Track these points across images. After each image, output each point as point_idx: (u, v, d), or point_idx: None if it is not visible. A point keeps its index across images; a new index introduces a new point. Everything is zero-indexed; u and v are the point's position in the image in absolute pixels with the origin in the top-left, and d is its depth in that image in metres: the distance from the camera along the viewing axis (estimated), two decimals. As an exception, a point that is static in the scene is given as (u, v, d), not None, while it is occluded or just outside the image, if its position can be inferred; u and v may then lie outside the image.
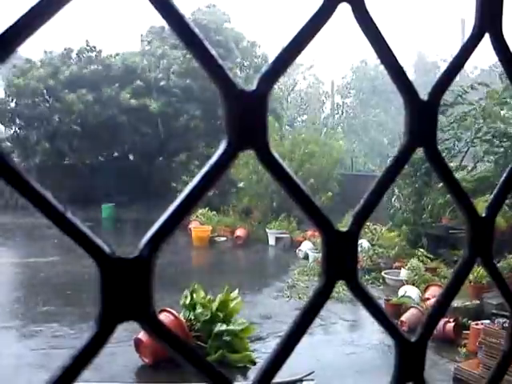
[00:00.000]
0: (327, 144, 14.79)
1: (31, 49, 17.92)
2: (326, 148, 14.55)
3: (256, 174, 13.38)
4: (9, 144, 18.11)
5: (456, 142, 10.43)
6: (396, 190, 10.60)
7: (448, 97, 10.08)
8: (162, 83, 18.01)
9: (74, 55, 18.66)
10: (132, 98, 17.66)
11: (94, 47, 18.86)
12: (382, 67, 0.48)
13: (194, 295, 6.03)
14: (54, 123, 17.78)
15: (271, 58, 0.42)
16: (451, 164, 10.11)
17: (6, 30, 0.32)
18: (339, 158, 14.77)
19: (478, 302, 6.86)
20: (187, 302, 6.00)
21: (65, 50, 18.77)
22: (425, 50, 30.90)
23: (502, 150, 9.73)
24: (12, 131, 18.83)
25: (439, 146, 0.52)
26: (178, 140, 18.44)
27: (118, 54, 18.98)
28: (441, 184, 9.40)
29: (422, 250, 9.26)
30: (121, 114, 17.86)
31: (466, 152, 10.58)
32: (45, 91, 17.89)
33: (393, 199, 10.72)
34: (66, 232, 0.33)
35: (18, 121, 18.58)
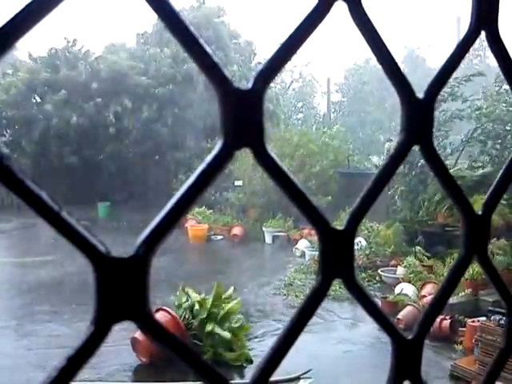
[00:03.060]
0: (324, 143, 14.79)
1: (21, 48, 17.87)
2: (322, 147, 14.55)
3: (253, 172, 13.38)
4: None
5: (445, 141, 10.45)
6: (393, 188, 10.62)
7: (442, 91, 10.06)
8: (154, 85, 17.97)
9: (62, 56, 18.57)
10: (126, 98, 17.62)
11: (80, 48, 18.80)
12: (378, 65, 0.48)
13: (190, 294, 6.02)
14: (47, 124, 17.73)
15: (267, 57, 0.41)
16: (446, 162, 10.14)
17: (3, 26, 0.32)
18: (336, 157, 14.79)
19: (473, 299, 6.88)
20: (183, 300, 6.00)
21: (52, 50, 18.67)
22: (413, 45, 31.00)
23: (494, 152, 9.80)
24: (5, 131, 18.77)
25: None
26: (175, 139, 18.42)
27: (110, 54, 18.93)
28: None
29: (418, 247, 9.28)
30: (116, 113, 17.81)
31: (462, 151, 10.60)
32: (37, 90, 17.84)
33: (396, 197, 10.72)
34: (61, 232, 0.33)
35: (11, 122, 18.53)
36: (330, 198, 13.10)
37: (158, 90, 17.99)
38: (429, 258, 9.07)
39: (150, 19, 18.61)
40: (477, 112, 9.86)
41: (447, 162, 10.07)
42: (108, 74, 17.91)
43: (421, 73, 25.58)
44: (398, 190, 10.55)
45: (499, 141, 9.68)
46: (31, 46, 18.42)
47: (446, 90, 9.86)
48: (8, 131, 18.74)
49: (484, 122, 9.72)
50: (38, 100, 18.33)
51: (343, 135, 16.24)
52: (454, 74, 0.52)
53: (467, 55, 0.51)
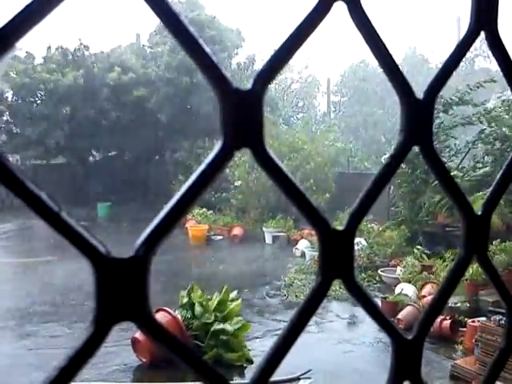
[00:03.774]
0: (323, 143, 14.81)
1: (27, 45, 17.92)
2: (322, 147, 14.56)
3: (253, 172, 13.38)
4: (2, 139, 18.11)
5: (456, 142, 10.46)
6: (392, 188, 10.62)
7: (449, 94, 10.09)
8: (155, 81, 17.95)
9: (68, 53, 18.59)
10: (126, 99, 17.64)
11: (87, 46, 18.82)
12: (378, 65, 0.48)
13: (192, 295, 6.02)
14: (48, 121, 17.74)
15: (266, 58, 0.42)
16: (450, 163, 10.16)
17: (5, 26, 0.32)
18: (336, 157, 14.80)
19: (473, 299, 6.88)
20: (184, 301, 6.00)
21: (58, 47, 18.69)
22: (416, 46, 31.02)
23: (499, 152, 9.76)
24: (4, 124, 18.73)
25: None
26: (175, 139, 18.43)
27: (111, 52, 18.96)
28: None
29: (419, 247, 9.28)
30: (116, 115, 17.83)
31: (467, 153, 10.59)
32: (39, 89, 17.85)
33: (396, 196, 10.72)
34: (61, 232, 0.33)
35: (12, 117, 18.53)
36: (327, 195, 13.12)
37: (160, 90, 17.99)
38: (429, 257, 9.06)
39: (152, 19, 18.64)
40: (487, 116, 9.82)
41: (451, 164, 10.09)
42: (110, 74, 17.93)
43: (422, 74, 25.58)
44: (400, 190, 10.55)
45: (508, 143, 9.63)
46: (35, 43, 18.49)
47: (456, 94, 9.92)
48: (9, 126, 18.75)
49: (494, 125, 9.69)
50: (41, 97, 18.34)
51: (342, 135, 16.25)
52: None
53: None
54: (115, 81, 17.68)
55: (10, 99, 18.44)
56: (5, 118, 18.48)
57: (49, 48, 18.74)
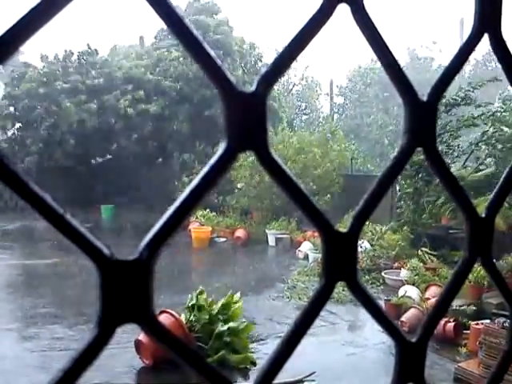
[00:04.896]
0: (327, 145, 14.79)
1: (29, 52, 18.04)
2: (325, 149, 14.55)
3: (256, 174, 13.38)
4: (6, 145, 18.18)
5: (452, 143, 10.43)
6: (395, 189, 10.61)
7: (452, 92, 10.06)
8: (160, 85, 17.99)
9: (73, 59, 18.67)
10: (130, 102, 17.68)
11: (95, 50, 18.86)
12: (381, 67, 0.48)
13: (197, 297, 6.01)
14: (52, 125, 17.80)
15: (269, 59, 0.42)
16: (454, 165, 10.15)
17: (7, 31, 0.32)
18: (338, 159, 14.79)
19: (477, 301, 6.85)
20: (190, 303, 5.99)
21: (65, 52, 18.75)
22: (418, 49, 31.04)
23: (501, 154, 9.74)
24: (10, 133, 18.85)
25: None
26: (177, 141, 18.44)
27: (117, 58, 19.04)
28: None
29: (424, 248, 9.26)
30: (119, 117, 17.87)
31: (470, 154, 10.56)
32: (43, 96, 17.93)
33: (399, 198, 10.72)
34: (65, 234, 0.33)
35: (15, 124, 18.62)
36: (328, 196, 13.10)
37: (164, 91, 18.01)
38: (432, 260, 9.04)
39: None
40: (491, 117, 9.78)
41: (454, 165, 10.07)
42: (113, 75, 17.99)
43: (425, 76, 25.56)
44: (403, 191, 10.53)
45: (509, 145, 9.60)
46: (39, 46, 18.56)
47: (459, 94, 9.89)
48: (13, 129, 18.83)
49: (497, 126, 9.66)
50: (45, 100, 18.42)
51: (345, 137, 16.22)
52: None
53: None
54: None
55: (13, 106, 18.48)
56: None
57: (45, 56, 18.79)
